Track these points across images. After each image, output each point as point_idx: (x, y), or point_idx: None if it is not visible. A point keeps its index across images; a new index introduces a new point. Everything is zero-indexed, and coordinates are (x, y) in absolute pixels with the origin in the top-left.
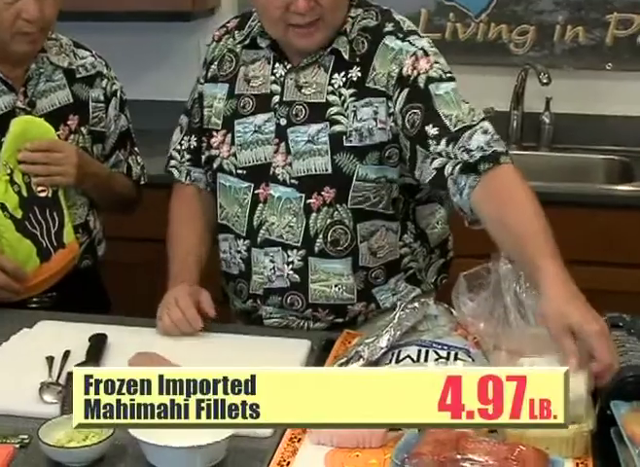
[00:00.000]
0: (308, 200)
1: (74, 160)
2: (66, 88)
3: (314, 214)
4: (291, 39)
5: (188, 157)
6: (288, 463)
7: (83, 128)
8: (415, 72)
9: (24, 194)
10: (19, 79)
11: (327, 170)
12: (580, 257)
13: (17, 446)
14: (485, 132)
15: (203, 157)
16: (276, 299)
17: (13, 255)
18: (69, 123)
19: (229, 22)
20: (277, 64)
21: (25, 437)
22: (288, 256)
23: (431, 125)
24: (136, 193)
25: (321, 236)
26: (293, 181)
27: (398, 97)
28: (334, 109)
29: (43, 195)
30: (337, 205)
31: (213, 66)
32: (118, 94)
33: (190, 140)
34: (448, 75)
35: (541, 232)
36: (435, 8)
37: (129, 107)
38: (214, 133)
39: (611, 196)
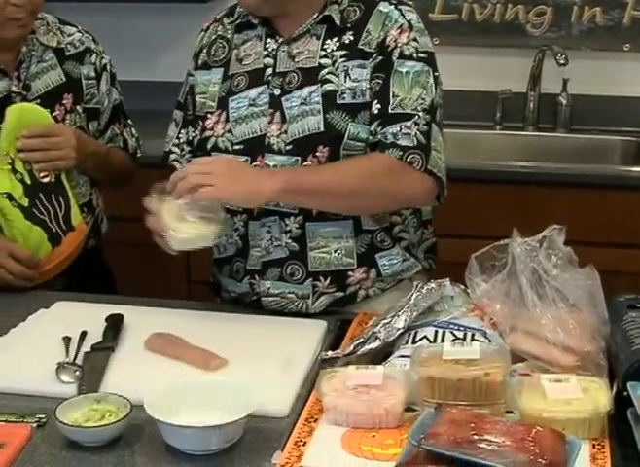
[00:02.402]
0: (304, 163)
1: (73, 142)
2: (58, 67)
3: None
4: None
5: (188, 149)
6: (304, 443)
7: (78, 107)
8: (394, 43)
9: (28, 181)
10: (11, 63)
11: (319, 129)
12: (596, 238)
13: (35, 425)
14: (403, 126)
15: (196, 141)
16: (275, 271)
17: (25, 243)
18: (64, 102)
19: (218, 14)
20: (269, 39)
21: (43, 416)
22: (286, 225)
23: (377, 101)
24: (133, 165)
25: None
26: (288, 147)
27: (372, 63)
28: (325, 70)
29: (46, 180)
30: None
31: (203, 54)
32: (108, 68)
33: (188, 133)
34: (421, 55)
35: (322, 169)
36: None
37: (146, 88)
38: (209, 116)
39: (627, 177)
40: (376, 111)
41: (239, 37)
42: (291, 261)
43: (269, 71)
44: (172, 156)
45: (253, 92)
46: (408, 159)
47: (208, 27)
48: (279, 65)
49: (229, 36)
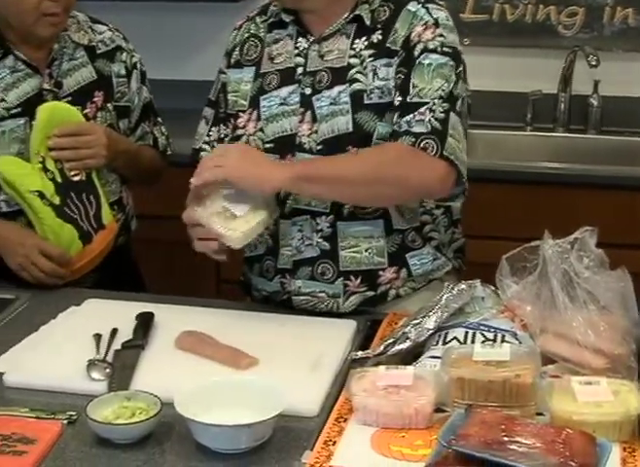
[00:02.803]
0: None
1: (103, 140)
2: (89, 65)
3: None
4: None
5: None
6: (334, 443)
7: (109, 105)
8: (417, 39)
9: (59, 180)
10: (43, 60)
11: (348, 129)
12: (627, 241)
13: (65, 422)
14: (414, 114)
15: (227, 140)
16: (306, 270)
17: (56, 241)
18: (95, 100)
19: (250, 12)
20: (300, 38)
21: (73, 413)
22: (317, 224)
23: (398, 93)
24: (162, 163)
25: None
26: (318, 147)
27: (397, 60)
28: (354, 70)
29: (77, 179)
30: None
31: (235, 52)
32: (138, 67)
33: (219, 130)
34: (446, 49)
35: (336, 159)
36: None
37: (178, 88)
38: (240, 114)
39: None
40: (397, 103)
41: (271, 36)
42: (322, 260)
43: (300, 70)
44: (203, 153)
45: (284, 91)
46: (422, 144)
47: (241, 26)
48: (309, 64)
49: (261, 35)
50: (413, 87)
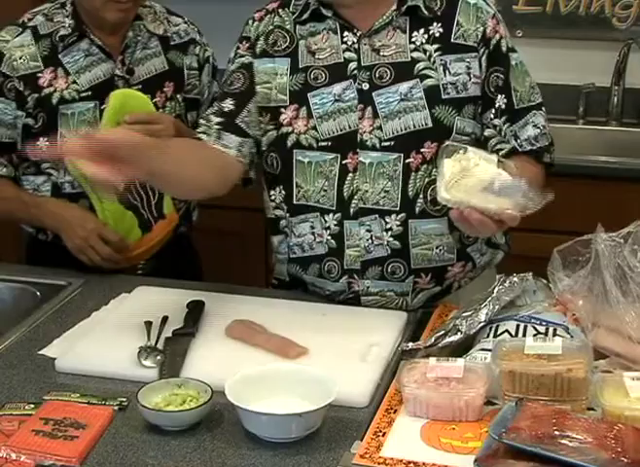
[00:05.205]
0: (407, 160)
1: (171, 131)
2: (161, 55)
3: (413, 174)
4: None
5: (217, 120)
6: (384, 434)
7: (178, 96)
8: (498, 35)
9: None
10: (117, 47)
11: (427, 124)
12: None
13: (116, 408)
14: (536, 126)
15: (266, 136)
16: (376, 269)
17: (116, 227)
18: (165, 89)
19: (267, 5)
20: (346, 32)
21: (124, 399)
22: (386, 222)
23: (503, 96)
24: None
25: (422, 196)
26: (385, 143)
27: (482, 56)
28: (421, 65)
29: None
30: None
31: (260, 42)
32: (210, 61)
33: (221, 104)
34: (513, 44)
35: None
36: None
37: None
38: (282, 110)
39: None
40: (503, 106)
41: (303, 29)
42: (392, 259)
43: (353, 65)
44: (200, 128)
45: (337, 88)
46: (551, 156)
47: (261, 18)
48: (364, 59)
49: (288, 27)
50: (514, 90)
